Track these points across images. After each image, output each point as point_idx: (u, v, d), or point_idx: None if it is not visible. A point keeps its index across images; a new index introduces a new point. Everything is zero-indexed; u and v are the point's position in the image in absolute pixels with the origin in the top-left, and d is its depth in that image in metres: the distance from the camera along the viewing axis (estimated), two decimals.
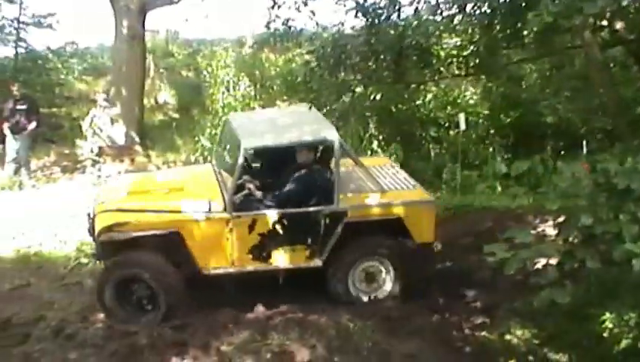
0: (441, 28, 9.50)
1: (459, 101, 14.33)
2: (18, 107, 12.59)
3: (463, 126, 11.73)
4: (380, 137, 12.88)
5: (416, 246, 7.16)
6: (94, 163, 11.60)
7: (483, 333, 6.31)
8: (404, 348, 5.81)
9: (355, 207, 7.11)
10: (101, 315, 6.60)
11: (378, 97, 12.25)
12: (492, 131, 13.75)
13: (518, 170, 6.74)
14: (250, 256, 7.12)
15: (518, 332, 6.15)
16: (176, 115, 17.78)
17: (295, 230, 7.11)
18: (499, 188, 11.27)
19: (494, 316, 6.53)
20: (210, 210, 6.99)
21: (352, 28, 9.04)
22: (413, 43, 8.58)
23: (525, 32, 8.15)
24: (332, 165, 7.28)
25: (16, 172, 12.47)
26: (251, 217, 7.03)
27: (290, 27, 9.27)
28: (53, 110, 17.52)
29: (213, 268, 7.10)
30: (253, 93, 14.64)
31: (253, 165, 8.00)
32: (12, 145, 12.52)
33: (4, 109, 12.92)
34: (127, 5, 14.24)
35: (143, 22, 14.80)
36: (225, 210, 6.95)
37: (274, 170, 7.77)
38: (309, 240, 7.13)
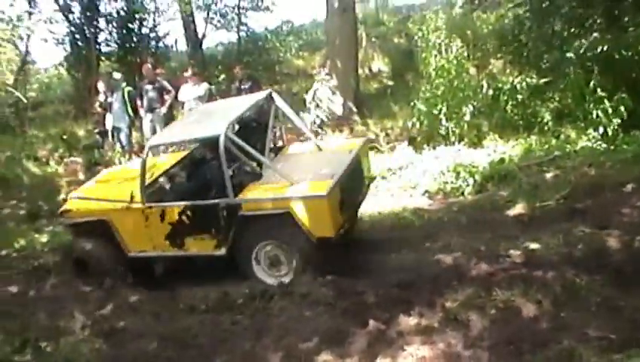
0: None
1: None
2: (242, 86, 13.57)
3: None
4: (605, 87, 12.16)
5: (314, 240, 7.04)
6: (317, 135, 12.08)
7: None
8: (637, 303, 5.55)
9: (248, 200, 7.33)
10: (330, 276, 6.93)
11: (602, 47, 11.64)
12: None
13: None
14: (167, 242, 7.82)
15: None
16: (390, 82, 18.07)
17: (198, 221, 7.61)
18: None
19: None
20: (131, 200, 7.81)
21: None
22: None
23: None
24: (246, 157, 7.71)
25: None
26: (161, 208, 7.74)
27: None
28: (274, 87, 18.50)
29: (139, 251, 8.05)
30: (466, 53, 14.46)
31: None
32: None
33: (232, 89, 14.01)
34: None
35: None
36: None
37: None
38: (214, 231, 7.55)
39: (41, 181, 13.77)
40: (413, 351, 5.27)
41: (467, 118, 12.79)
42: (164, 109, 13.75)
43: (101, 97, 14.64)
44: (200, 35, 20.82)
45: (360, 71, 16.66)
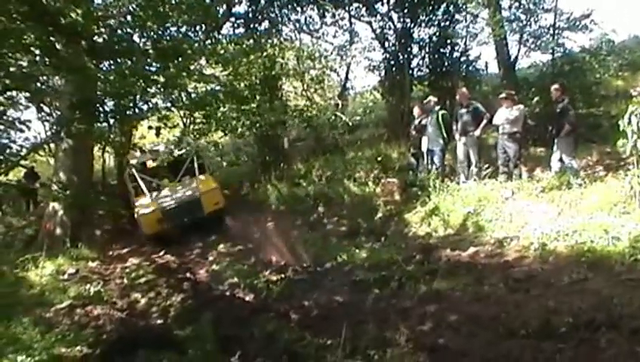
0: None
1: None
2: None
3: None
4: None
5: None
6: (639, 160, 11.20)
7: None
8: None
9: (132, 206, 16.12)
10: None
11: None
12: None
13: None
14: None
15: None
16: None
17: None
18: None
19: None
20: None
21: None
22: None
23: None
24: None
25: (562, 172, 12.88)
26: None
27: None
28: (591, 110, 17.69)
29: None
30: None
31: None
32: (555, 150, 13.05)
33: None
34: None
35: None
36: None
37: None
38: None
39: (360, 200, 14.69)
40: None
41: None
42: (477, 132, 13.81)
43: (416, 121, 15.22)
44: (513, 58, 20.61)
45: None
